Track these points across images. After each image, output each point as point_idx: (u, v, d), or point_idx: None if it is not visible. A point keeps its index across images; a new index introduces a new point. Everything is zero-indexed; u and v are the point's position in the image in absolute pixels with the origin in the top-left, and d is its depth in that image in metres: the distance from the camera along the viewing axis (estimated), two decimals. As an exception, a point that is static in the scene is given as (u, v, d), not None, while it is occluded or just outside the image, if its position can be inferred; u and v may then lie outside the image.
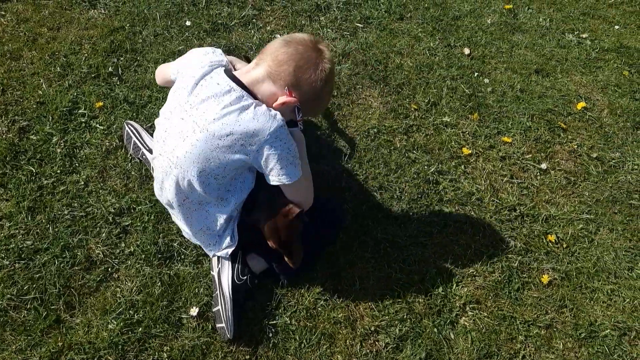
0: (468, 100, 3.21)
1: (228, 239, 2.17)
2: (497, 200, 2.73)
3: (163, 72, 2.23)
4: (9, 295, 2.14)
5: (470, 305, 2.33)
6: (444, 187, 2.78)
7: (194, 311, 2.22)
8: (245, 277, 2.23)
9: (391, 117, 3.06)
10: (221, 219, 2.10)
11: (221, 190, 2.01)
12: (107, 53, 3.02)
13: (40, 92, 2.78)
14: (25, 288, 2.17)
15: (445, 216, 2.67)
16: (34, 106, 2.72)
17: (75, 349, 2.05)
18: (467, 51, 3.51)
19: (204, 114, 1.83)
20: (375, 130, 2.98)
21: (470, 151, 2.95)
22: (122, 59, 3.02)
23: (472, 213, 2.69)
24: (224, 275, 2.20)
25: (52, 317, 2.12)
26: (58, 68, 2.89)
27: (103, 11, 3.25)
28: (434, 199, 2.72)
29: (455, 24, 3.70)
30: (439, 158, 2.90)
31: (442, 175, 2.84)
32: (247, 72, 1.93)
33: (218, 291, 2.19)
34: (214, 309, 2.18)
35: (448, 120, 3.08)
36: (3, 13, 3.19)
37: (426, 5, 3.80)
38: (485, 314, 2.31)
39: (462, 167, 2.88)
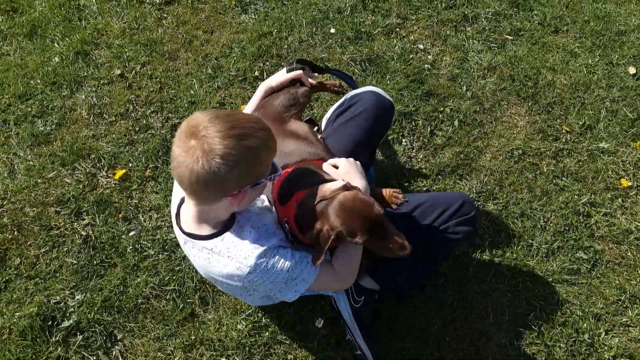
0: (631, 125, 2.88)
1: None
2: (661, 243, 2.42)
3: None
4: (151, 284, 2.28)
5: (622, 360, 2.08)
6: (597, 221, 2.52)
7: (319, 322, 2.21)
8: (362, 298, 2.16)
9: (539, 139, 2.84)
10: None
11: None
12: (255, 57, 3.13)
13: (192, 92, 2.95)
14: (166, 279, 2.30)
15: (595, 253, 2.41)
16: (186, 105, 2.89)
17: (206, 345, 2.13)
18: (632, 70, 3.16)
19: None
20: (519, 151, 2.78)
21: (630, 183, 2.64)
22: (267, 63, 3.11)
23: (629, 253, 2.40)
24: (341, 303, 2.16)
25: (188, 310, 2.22)
26: (209, 70, 3.04)
27: (253, 16, 3.37)
28: (583, 233, 2.47)
29: (619, 39, 3.35)
30: (592, 188, 2.63)
31: (594, 207, 2.57)
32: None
33: (343, 320, 2.15)
34: (346, 338, 2.16)
35: (605, 146, 2.78)
36: (165, 15, 3.43)
37: (586, 18, 3.47)
38: (640, 373, 2.04)
39: (620, 200, 2.58)
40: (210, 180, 1.45)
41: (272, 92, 2.22)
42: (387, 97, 2.23)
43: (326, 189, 1.69)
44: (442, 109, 2.95)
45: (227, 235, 1.67)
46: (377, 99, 2.19)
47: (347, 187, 1.67)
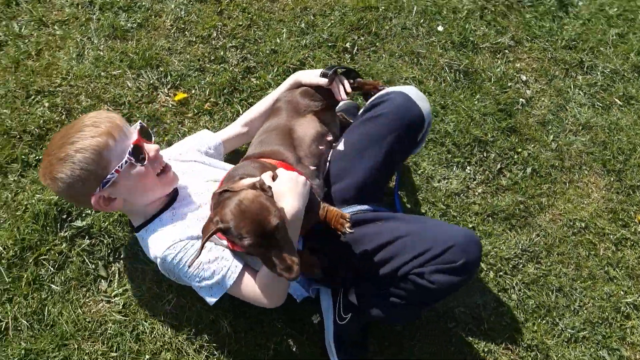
0: None
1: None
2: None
3: None
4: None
5: None
6: (634, 326, 2.33)
7: (315, 319, 2.15)
8: (348, 315, 2.06)
9: (607, 218, 2.63)
10: None
11: None
12: (352, 27, 2.96)
13: (278, 40, 2.82)
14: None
15: (620, 359, 2.24)
16: (267, 51, 2.77)
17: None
18: None
19: None
20: (582, 224, 2.58)
21: (685, 303, 2.42)
22: (362, 38, 2.94)
23: (656, 374, 2.22)
24: (327, 315, 2.09)
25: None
26: (302, 24, 2.90)
27: (366, -15, 3.19)
28: (615, 333, 2.29)
29: None
30: (643, 292, 2.43)
31: (637, 311, 2.37)
32: None
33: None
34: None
35: (675, 253, 2.55)
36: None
37: None
38: None
39: (668, 315, 2.38)
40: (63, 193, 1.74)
41: (299, 86, 2.18)
42: (421, 104, 1.95)
43: (239, 183, 1.64)
44: (520, 150, 2.75)
45: (150, 225, 1.88)
46: (404, 103, 1.94)
47: (254, 186, 1.58)
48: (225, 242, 1.80)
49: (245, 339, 2.13)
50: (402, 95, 1.96)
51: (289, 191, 1.67)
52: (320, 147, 2.04)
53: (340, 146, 2.06)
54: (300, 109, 2.11)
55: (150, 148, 1.81)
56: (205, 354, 2.08)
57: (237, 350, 2.11)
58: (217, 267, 1.79)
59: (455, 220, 2.53)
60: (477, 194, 2.62)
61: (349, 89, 2.15)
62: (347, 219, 1.73)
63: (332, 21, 2.96)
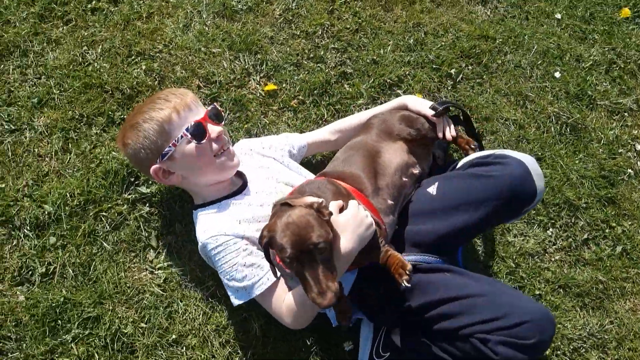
0: None
1: None
2: None
3: None
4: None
5: None
6: None
7: (348, 346, 2.06)
8: (387, 354, 1.92)
9: (697, 326, 2.31)
10: None
11: None
12: (462, 54, 2.80)
13: (381, 51, 2.71)
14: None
15: None
16: (368, 61, 2.66)
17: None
18: None
19: None
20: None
21: None
22: (470, 67, 2.78)
23: None
24: (364, 350, 1.96)
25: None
26: (411, 40, 2.78)
27: (488, 13, 3.01)
28: None
29: None
30: None
31: None
32: None
33: None
34: None
35: None
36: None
37: None
38: None
39: None
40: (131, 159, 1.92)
41: (403, 109, 2.14)
42: (538, 182, 1.79)
43: (301, 199, 1.61)
44: (614, 225, 2.49)
45: (207, 208, 1.91)
46: (520, 175, 1.78)
47: (312, 206, 1.54)
48: None
49: (273, 346, 2.07)
50: (521, 166, 1.79)
51: (349, 229, 1.61)
52: (404, 179, 1.94)
53: (432, 189, 1.94)
54: (393, 132, 2.04)
55: (213, 129, 1.84)
56: (230, 350, 2.05)
57: (262, 355, 2.05)
58: (250, 272, 1.76)
59: (522, 283, 2.33)
60: (553, 260, 2.40)
61: (453, 133, 2.08)
62: (408, 271, 1.61)
63: (443, 43, 2.81)
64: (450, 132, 2.07)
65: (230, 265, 1.77)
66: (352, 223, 1.62)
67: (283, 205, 1.59)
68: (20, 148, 2.20)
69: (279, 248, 1.50)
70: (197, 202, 1.97)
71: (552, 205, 2.50)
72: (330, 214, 1.57)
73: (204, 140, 1.80)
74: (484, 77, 2.77)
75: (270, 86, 2.49)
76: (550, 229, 2.46)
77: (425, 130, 2.08)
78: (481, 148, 2.20)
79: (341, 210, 1.67)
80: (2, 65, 2.35)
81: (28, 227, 2.07)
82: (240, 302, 1.80)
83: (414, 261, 1.82)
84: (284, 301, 1.77)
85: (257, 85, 2.51)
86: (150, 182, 2.21)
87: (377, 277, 1.81)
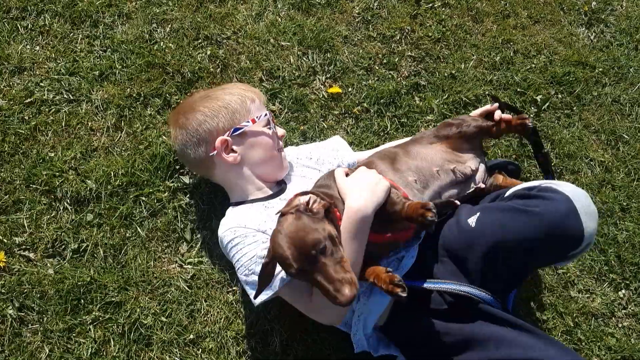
0: None
1: None
2: None
3: None
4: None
5: None
6: None
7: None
8: None
9: None
10: None
11: None
12: (553, 80, 2.52)
13: (462, 66, 2.48)
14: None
15: None
16: (445, 74, 2.45)
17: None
18: None
19: None
20: None
21: None
22: (559, 96, 2.49)
23: None
24: None
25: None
26: (497, 57, 2.51)
27: (592, 37, 2.69)
28: None
29: None
30: None
31: None
32: None
33: None
34: None
35: None
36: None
37: None
38: None
39: None
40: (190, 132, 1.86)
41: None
42: (586, 222, 1.51)
43: (292, 204, 1.49)
44: (701, 300, 2.16)
45: (243, 206, 1.84)
46: (564, 213, 1.51)
47: (298, 208, 1.44)
48: None
49: (290, 365, 1.96)
50: (567, 203, 1.53)
51: (356, 187, 1.54)
52: (435, 169, 1.74)
53: (472, 221, 1.70)
54: (440, 134, 1.88)
55: (279, 128, 1.91)
56: (246, 361, 1.95)
57: (277, 373, 1.94)
58: None
59: (579, 346, 2.07)
60: (621, 326, 2.11)
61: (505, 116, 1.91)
62: (430, 207, 1.42)
63: (533, 65, 2.54)
64: (508, 120, 1.90)
65: (249, 258, 1.67)
66: (359, 181, 1.56)
67: (279, 216, 1.50)
68: (75, 119, 2.18)
69: (285, 267, 1.42)
70: (234, 199, 1.90)
71: (630, 264, 2.20)
72: (325, 205, 1.48)
73: (273, 131, 1.86)
74: (574, 108, 2.48)
75: (335, 89, 2.34)
76: (623, 290, 2.17)
77: (470, 124, 1.88)
78: (551, 175, 1.96)
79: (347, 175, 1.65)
80: (72, 34, 2.34)
81: (68, 201, 2.05)
82: (263, 299, 1.67)
83: (467, 292, 1.61)
84: (313, 294, 1.66)
85: (322, 86, 2.36)
86: (194, 173, 2.14)
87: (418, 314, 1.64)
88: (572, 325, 2.10)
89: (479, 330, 1.58)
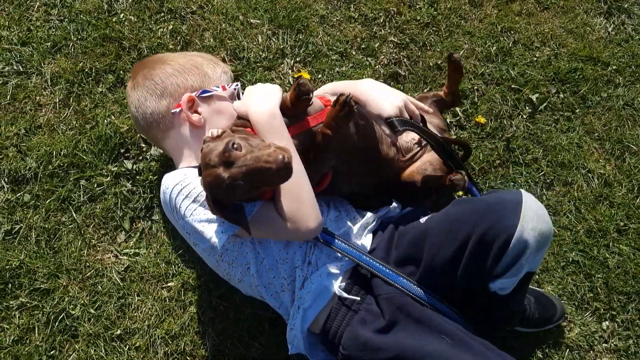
0: None
1: None
2: None
3: None
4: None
5: None
6: None
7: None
8: None
9: None
10: None
11: None
12: (555, 77, 2.22)
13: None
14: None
15: None
16: (430, 65, 2.20)
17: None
18: None
19: None
20: None
21: None
22: (561, 96, 2.19)
23: None
24: None
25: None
26: (493, 48, 2.22)
27: (609, 29, 2.34)
28: None
29: None
30: None
31: None
32: None
33: None
34: None
35: None
36: None
37: None
38: None
39: None
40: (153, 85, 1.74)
41: None
42: (526, 223, 1.34)
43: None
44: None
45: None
46: (503, 204, 1.38)
47: (205, 141, 1.44)
48: None
49: None
50: (513, 198, 1.39)
51: (251, 99, 1.56)
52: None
53: (423, 218, 1.60)
54: None
55: None
56: (171, 362, 1.84)
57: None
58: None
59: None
60: (605, 352, 1.90)
61: None
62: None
63: (535, 59, 2.24)
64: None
65: (205, 197, 1.49)
66: (251, 95, 1.58)
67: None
68: (23, 93, 2.08)
69: (218, 183, 1.34)
70: (181, 167, 1.73)
71: (619, 292, 1.95)
72: (228, 126, 1.56)
73: None
74: (577, 111, 2.18)
75: (304, 73, 2.13)
76: (607, 322, 1.94)
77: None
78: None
79: None
80: (29, 1, 2.22)
81: (6, 179, 1.96)
82: (230, 233, 1.51)
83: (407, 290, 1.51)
84: (280, 210, 1.51)
85: (289, 70, 2.16)
86: (140, 158, 2.00)
87: None
88: (542, 356, 1.88)
89: (413, 347, 1.40)
